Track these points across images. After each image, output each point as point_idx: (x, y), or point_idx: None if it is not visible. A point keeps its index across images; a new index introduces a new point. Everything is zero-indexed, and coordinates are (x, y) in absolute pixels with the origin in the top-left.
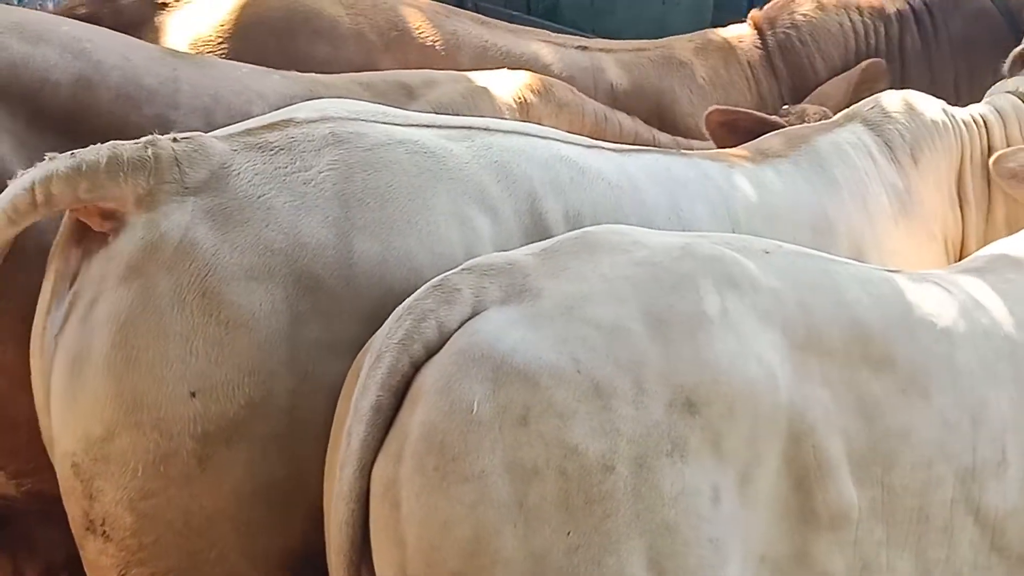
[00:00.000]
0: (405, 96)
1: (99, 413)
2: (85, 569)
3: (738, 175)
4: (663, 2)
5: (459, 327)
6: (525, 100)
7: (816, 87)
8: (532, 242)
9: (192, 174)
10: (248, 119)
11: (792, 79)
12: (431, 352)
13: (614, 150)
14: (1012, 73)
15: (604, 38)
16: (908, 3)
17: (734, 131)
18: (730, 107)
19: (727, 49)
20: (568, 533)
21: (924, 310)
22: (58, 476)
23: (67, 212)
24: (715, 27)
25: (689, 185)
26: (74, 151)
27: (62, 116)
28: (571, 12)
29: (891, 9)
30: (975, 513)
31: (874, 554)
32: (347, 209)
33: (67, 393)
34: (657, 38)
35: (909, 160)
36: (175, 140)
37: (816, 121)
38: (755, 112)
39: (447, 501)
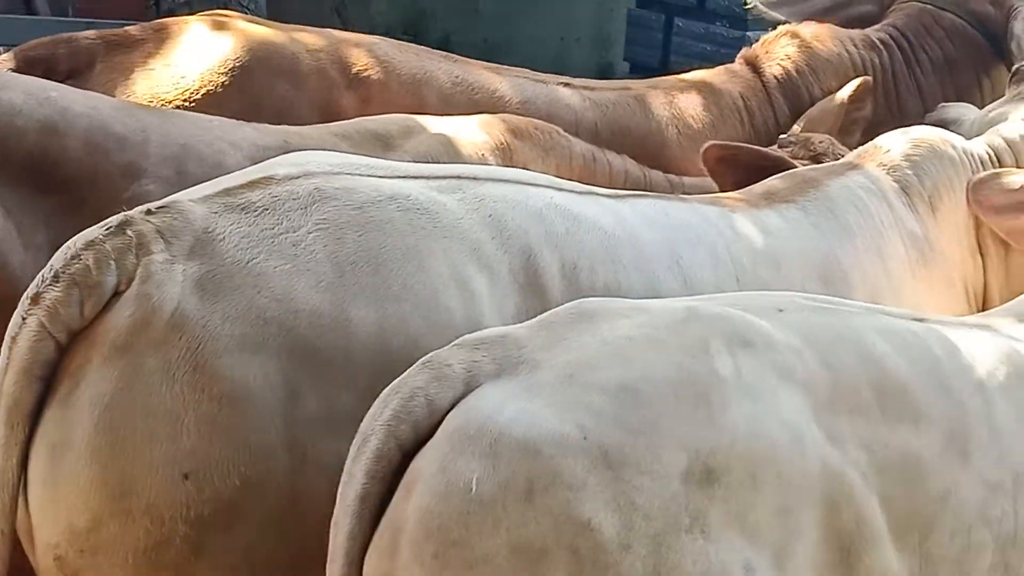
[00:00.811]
0: (381, 147)
1: (84, 502)
2: None
3: (741, 220)
4: (561, 39)
5: (451, 406)
6: (508, 145)
7: None
8: (529, 299)
9: (177, 244)
10: (220, 168)
11: (791, 111)
12: (420, 433)
13: (609, 196)
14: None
15: None
16: (886, 32)
17: (734, 166)
18: (728, 142)
19: (717, 86)
20: None
21: (957, 362)
22: (38, 570)
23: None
24: (628, 62)
25: (689, 231)
26: (54, 269)
27: (30, 164)
28: (463, 51)
29: (876, 39)
30: None
31: None
32: (340, 274)
33: (48, 482)
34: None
35: (927, 206)
36: (150, 212)
37: (822, 149)
38: (755, 147)
39: None
